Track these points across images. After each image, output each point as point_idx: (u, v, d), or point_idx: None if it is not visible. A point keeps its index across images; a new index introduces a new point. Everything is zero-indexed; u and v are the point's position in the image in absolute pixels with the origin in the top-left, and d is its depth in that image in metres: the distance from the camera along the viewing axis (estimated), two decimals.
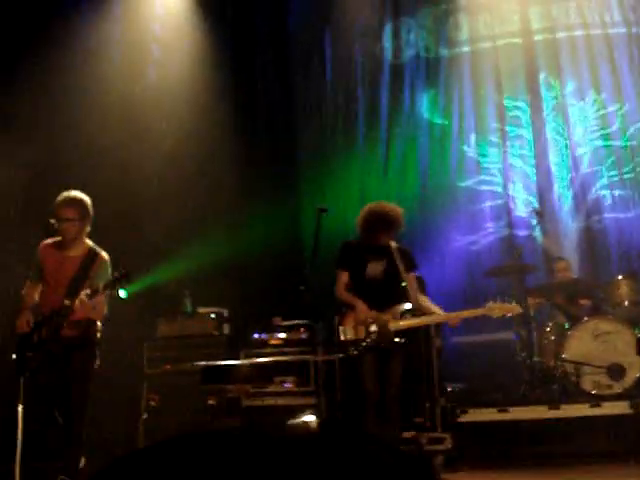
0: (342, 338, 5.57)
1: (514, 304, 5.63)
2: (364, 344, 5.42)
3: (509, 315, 5.65)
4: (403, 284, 5.46)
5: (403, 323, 5.47)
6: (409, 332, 5.59)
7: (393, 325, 5.44)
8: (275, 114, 9.55)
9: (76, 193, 5.20)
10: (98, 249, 5.23)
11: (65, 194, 5.17)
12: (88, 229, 5.24)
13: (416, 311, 5.53)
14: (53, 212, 5.13)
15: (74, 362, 5.07)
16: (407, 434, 6.04)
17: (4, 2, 7.31)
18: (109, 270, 5.19)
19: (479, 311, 5.48)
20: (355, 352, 5.45)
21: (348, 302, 5.59)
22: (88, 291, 4.88)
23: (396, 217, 5.64)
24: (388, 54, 9.55)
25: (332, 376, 6.78)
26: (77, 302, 4.85)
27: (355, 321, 5.50)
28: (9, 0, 7.45)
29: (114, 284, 4.96)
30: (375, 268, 5.63)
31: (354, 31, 9.46)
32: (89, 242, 5.25)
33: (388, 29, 9.55)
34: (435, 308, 5.65)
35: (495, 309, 5.45)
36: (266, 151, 9.26)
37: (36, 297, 5.20)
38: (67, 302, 4.90)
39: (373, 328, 5.42)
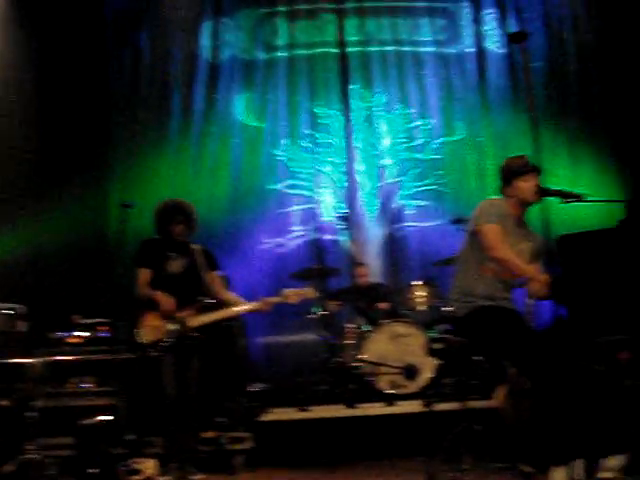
0: (140, 341, 5.45)
1: (308, 289, 5.73)
2: (163, 344, 5.35)
3: (306, 298, 5.71)
4: (203, 279, 5.44)
5: (203, 318, 5.45)
6: (210, 330, 5.57)
7: (192, 321, 5.41)
8: (88, 105, 9.15)
9: None
10: None
11: None
12: None
13: (217, 306, 5.52)
14: None
15: None
16: (208, 434, 6.00)
17: None
18: None
19: (275, 299, 5.53)
20: (154, 353, 5.36)
21: (150, 298, 5.49)
22: None
23: (186, 208, 5.62)
24: (206, 52, 9.49)
25: (133, 376, 6.63)
26: None
27: (160, 315, 5.40)
28: None
29: None
30: (176, 265, 5.58)
31: (172, 25, 9.33)
32: None
33: (207, 27, 9.50)
34: (240, 301, 5.63)
35: (290, 295, 5.55)
36: (76, 142, 8.86)
37: None
38: None
39: (171, 327, 5.37)
